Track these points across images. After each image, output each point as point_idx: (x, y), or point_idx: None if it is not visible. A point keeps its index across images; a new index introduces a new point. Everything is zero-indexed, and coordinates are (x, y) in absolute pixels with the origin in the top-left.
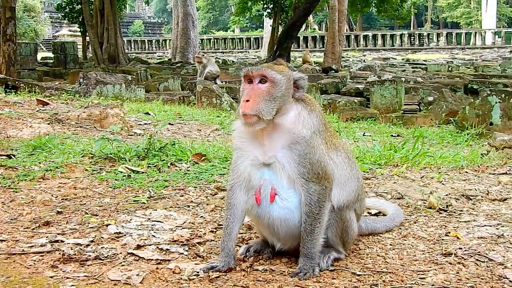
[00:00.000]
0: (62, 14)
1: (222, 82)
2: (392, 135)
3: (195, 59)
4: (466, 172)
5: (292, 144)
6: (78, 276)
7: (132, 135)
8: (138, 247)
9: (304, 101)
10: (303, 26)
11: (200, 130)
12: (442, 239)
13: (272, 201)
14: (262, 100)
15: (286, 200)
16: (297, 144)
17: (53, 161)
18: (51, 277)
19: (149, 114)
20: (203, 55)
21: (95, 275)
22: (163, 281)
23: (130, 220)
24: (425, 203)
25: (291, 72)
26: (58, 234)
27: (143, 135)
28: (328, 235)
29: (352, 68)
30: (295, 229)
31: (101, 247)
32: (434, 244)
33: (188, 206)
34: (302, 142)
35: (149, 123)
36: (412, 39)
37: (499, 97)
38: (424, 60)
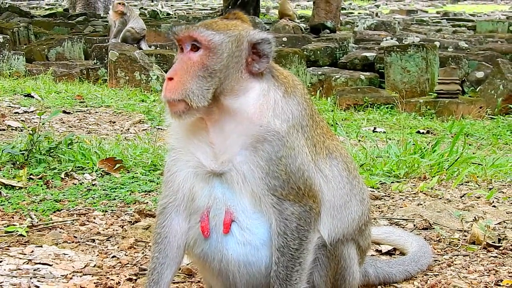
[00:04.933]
0: None
1: (149, 46)
2: (418, 132)
3: (113, 8)
4: None
5: (257, 143)
6: None
7: (4, 129)
8: None
9: (276, 77)
10: None
11: (114, 122)
12: None
13: (227, 232)
14: (192, 76)
15: (248, 231)
16: (266, 143)
17: None
18: None
19: (32, 97)
20: (126, 4)
21: None
22: None
23: (0, 262)
24: (466, 235)
25: (245, 31)
26: None
27: (21, 130)
28: (314, 282)
29: (357, 25)
30: (261, 277)
31: None
32: None
33: (93, 241)
34: (273, 140)
35: (32, 111)
36: None
37: None
38: (470, 15)
